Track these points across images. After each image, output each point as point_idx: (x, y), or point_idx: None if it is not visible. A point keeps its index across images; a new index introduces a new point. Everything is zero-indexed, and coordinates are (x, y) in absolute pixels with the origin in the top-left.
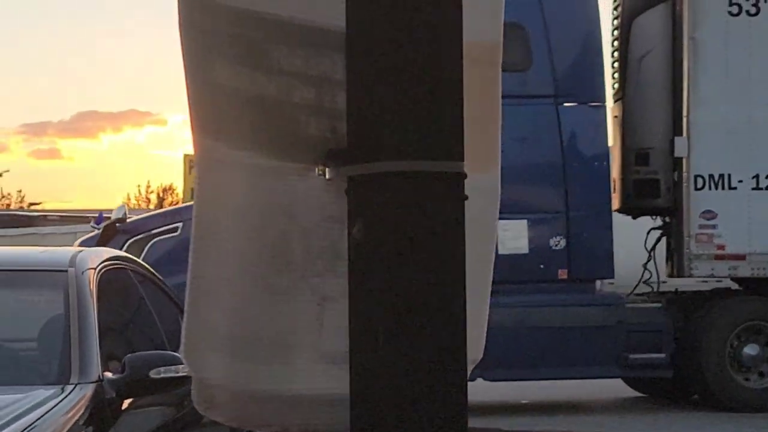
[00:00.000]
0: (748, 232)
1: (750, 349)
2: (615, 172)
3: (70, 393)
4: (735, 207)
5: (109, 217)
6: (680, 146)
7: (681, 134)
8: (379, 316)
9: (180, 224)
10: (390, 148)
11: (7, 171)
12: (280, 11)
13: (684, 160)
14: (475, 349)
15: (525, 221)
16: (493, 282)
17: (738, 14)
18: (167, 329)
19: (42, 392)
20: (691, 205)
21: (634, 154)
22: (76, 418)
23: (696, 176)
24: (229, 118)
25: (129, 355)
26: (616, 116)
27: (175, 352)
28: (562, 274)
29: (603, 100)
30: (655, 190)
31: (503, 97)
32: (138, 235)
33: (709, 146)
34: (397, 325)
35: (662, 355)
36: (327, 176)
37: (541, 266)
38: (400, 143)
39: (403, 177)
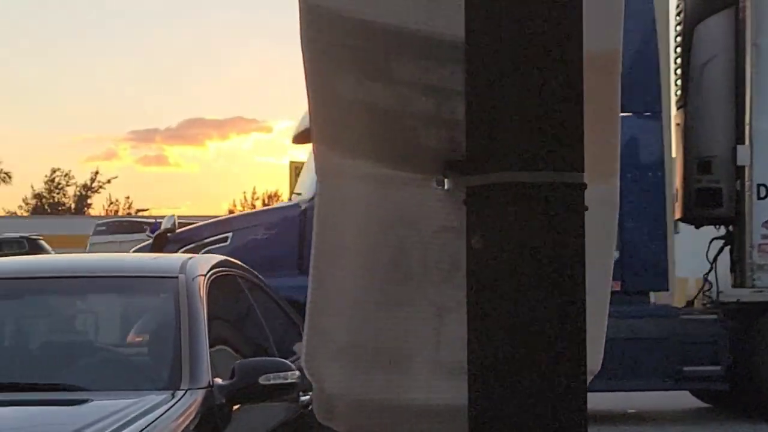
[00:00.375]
0: None
1: None
2: (678, 180)
3: (180, 398)
4: None
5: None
6: (742, 155)
7: (743, 143)
8: (497, 327)
9: (230, 234)
10: (509, 159)
11: (116, 177)
12: (401, 23)
13: (746, 169)
14: (594, 360)
15: None
16: None
17: None
18: (275, 335)
19: (153, 397)
20: (754, 215)
21: (696, 163)
22: (186, 423)
23: (759, 185)
24: (349, 128)
25: (238, 361)
26: (678, 124)
27: (283, 358)
28: (616, 285)
29: (657, 109)
30: (718, 199)
31: None
32: (189, 244)
33: None
34: (517, 337)
35: (718, 368)
36: (445, 187)
37: None
38: (520, 153)
39: (523, 188)
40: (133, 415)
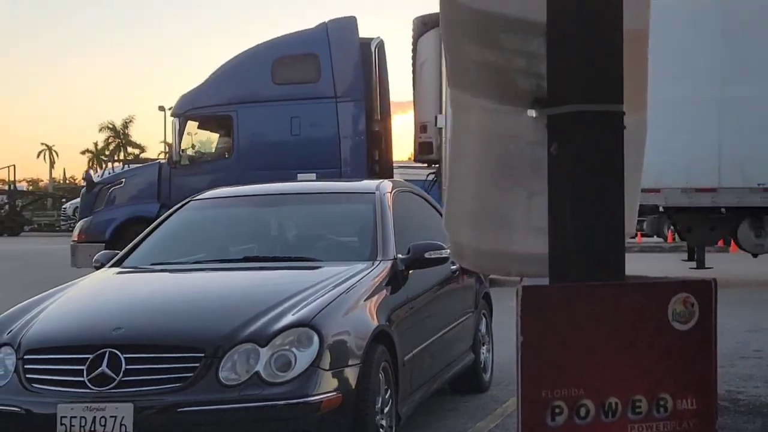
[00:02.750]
0: None
1: None
2: (413, 137)
3: (377, 266)
4: None
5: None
6: (441, 121)
7: (441, 113)
8: (567, 202)
9: (123, 179)
10: (576, 95)
11: None
12: (506, 10)
13: (443, 129)
14: (630, 225)
15: None
16: None
17: None
18: (434, 228)
19: (361, 265)
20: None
21: (419, 126)
22: (380, 280)
23: None
24: (471, 78)
25: (412, 243)
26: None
27: (440, 243)
28: None
29: (360, 98)
30: (430, 149)
31: (301, 99)
32: (106, 185)
33: None
34: (580, 206)
35: None
36: (534, 115)
37: None
38: (583, 91)
39: (581, 114)
40: (350, 274)
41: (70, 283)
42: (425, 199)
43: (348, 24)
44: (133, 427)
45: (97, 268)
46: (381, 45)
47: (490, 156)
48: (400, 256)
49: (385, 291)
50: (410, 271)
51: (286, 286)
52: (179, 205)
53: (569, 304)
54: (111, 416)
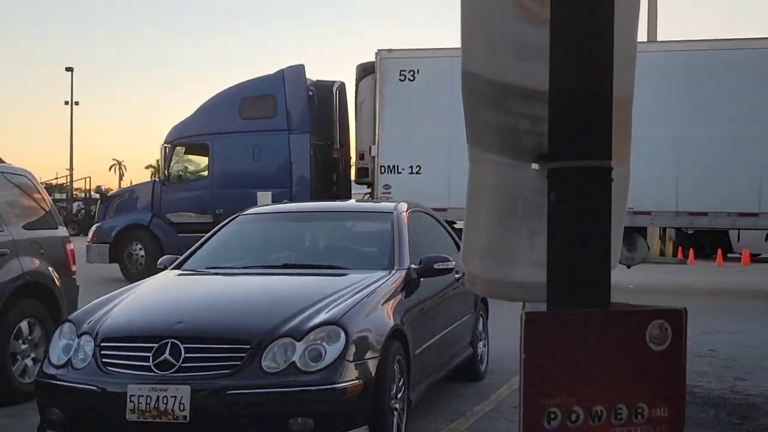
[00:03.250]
0: None
1: None
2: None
3: (393, 274)
4: None
5: (108, 189)
6: (374, 150)
7: (375, 144)
8: (563, 240)
9: (127, 193)
10: (572, 152)
11: None
12: (514, 80)
13: (376, 157)
14: (615, 258)
15: None
16: None
17: (403, 81)
18: (442, 244)
19: (380, 273)
20: (379, 181)
21: (357, 154)
22: (396, 286)
23: (381, 166)
24: (486, 136)
25: (423, 256)
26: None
27: (447, 255)
28: None
29: (307, 131)
30: (367, 173)
31: (262, 131)
32: (115, 198)
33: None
34: (573, 244)
35: None
36: (537, 168)
37: None
38: (578, 150)
39: (577, 169)
40: (372, 281)
41: (138, 282)
42: (435, 218)
43: (299, 70)
44: (190, 405)
45: (161, 270)
46: (342, 87)
47: (500, 201)
48: (413, 266)
49: (400, 295)
50: (421, 279)
51: (318, 289)
52: (229, 219)
53: (564, 327)
54: (172, 396)
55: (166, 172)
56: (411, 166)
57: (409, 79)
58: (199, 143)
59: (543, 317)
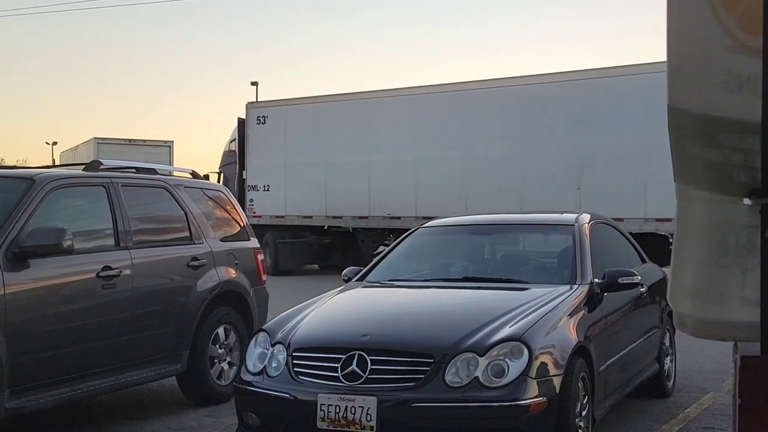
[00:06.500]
0: None
1: None
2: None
3: (576, 288)
4: None
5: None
6: (244, 175)
7: (244, 169)
8: None
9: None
10: None
11: None
12: (725, 114)
13: (245, 180)
14: None
15: None
16: None
17: (259, 124)
18: (626, 256)
19: (562, 288)
20: (246, 199)
21: (244, 184)
22: (579, 301)
23: (248, 186)
24: (695, 173)
25: (607, 269)
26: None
27: (631, 269)
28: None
29: None
30: (243, 195)
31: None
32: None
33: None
34: None
35: None
36: (750, 203)
37: None
38: None
39: None
40: (554, 296)
41: (323, 294)
42: (617, 230)
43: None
44: (377, 416)
45: (346, 282)
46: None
47: (711, 239)
48: (596, 280)
49: (583, 311)
50: (605, 294)
51: (500, 303)
52: (410, 231)
53: None
54: (359, 406)
55: None
56: (264, 185)
57: (262, 123)
58: None
59: (760, 362)
